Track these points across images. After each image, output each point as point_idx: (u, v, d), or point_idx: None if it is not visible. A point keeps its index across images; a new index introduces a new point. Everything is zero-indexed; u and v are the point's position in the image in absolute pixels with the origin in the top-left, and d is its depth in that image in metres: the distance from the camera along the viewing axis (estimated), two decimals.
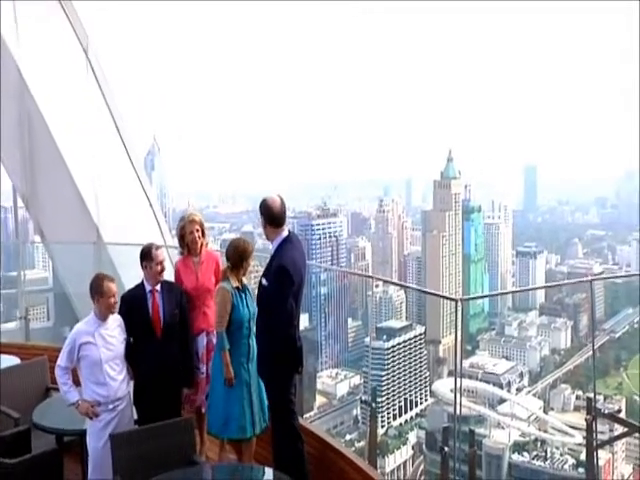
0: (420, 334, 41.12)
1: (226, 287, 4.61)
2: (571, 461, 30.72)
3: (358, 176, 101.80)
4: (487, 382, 36.65)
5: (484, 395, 34.25)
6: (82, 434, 4.36)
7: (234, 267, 4.66)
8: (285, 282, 4.22)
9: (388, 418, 37.09)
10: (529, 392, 38.39)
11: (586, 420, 5.84)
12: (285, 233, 4.40)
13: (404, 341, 39.39)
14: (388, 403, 37.12)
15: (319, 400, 38.54)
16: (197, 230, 5.03)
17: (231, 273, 4.65)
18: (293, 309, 4.30)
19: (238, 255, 4.64)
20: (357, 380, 40.43)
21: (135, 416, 4.53)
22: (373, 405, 6.55)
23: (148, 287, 4.65)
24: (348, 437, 31.93)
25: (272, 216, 4.38)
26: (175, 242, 5.35)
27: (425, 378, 39.84)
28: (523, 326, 48.26)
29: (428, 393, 38.79)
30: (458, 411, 5.11)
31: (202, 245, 5.07)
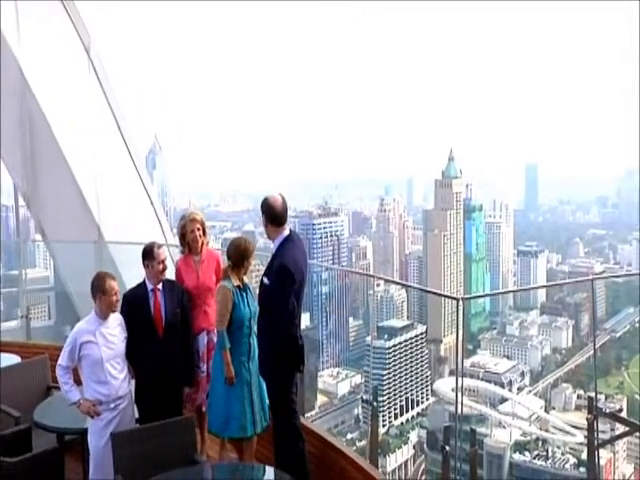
0: (421, 333, 41.07)
1: (227, 286, 4.61)
2: (572, 460, 30.75)
3: (359, 175, 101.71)
4: (488, 381, 36.68)
5: (485, 394, 34.29)
6: (83, 433, 4.36)
7: (235, 266, 4.65)
8: (286, 281, 4.21)
9: (389, 417, 37.06)
10: (530, 391, 38.40)
11: (587, 419, 5.86)
12: (286, 232, 4.40)
13: (405, 340, 39.35)
14: (389, 402, 37.07)
15: (320, 399, 38.56)
16: (198, 229, 5.04)
17: (232, 272, 4.65)
18: (294, 308, 4.29)
19: (239, 254, 4.64)
20: (358, 379, 40.44)
21: (136, 415, 4.53)
22: (374, 404, 6.54)
23: (150, 286, 4.65)
24: (349, 436, 31.96)
25: (273, 215, 4.37)
26: (176, 241, 5.35)
27: (426, 377, 39.81)
28: (524, 325, 48.25)
29: (429, 392, 38.80)
30: (459, 410, 5.13)
31: (203, 244, 5.07)
